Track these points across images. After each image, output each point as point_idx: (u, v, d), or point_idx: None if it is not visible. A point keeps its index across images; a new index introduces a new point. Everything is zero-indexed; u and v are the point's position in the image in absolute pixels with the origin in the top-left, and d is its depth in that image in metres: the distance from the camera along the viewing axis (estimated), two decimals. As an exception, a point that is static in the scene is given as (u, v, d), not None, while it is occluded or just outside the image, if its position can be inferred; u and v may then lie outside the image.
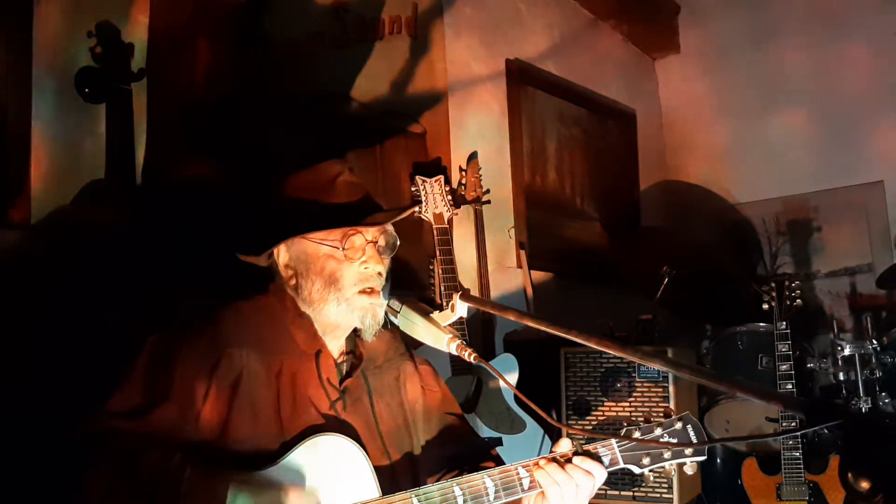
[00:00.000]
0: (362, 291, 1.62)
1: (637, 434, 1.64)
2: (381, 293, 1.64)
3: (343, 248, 1.61)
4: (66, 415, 1.52)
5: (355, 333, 1.71)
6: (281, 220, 1.65)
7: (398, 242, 1.70)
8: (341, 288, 1.62)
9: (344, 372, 1.69)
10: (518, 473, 1.57)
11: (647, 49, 5.21)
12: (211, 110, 2.56)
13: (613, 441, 1.63)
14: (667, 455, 1.64)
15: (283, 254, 1.67)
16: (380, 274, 1.64)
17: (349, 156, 2.96)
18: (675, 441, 1.64)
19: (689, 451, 1.64)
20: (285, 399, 1.56)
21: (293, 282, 1.66)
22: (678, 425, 1.66)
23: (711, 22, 5.06)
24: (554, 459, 1.58)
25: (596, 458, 1.59)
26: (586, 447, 1.62)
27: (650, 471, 1.65)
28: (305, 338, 1.65)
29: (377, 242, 1.65)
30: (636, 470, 1.64)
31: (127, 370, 1.53)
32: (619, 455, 1.63)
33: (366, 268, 1.63)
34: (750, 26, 4.86)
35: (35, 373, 1.93)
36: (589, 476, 1.56)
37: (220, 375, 1.52)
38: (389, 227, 1.69)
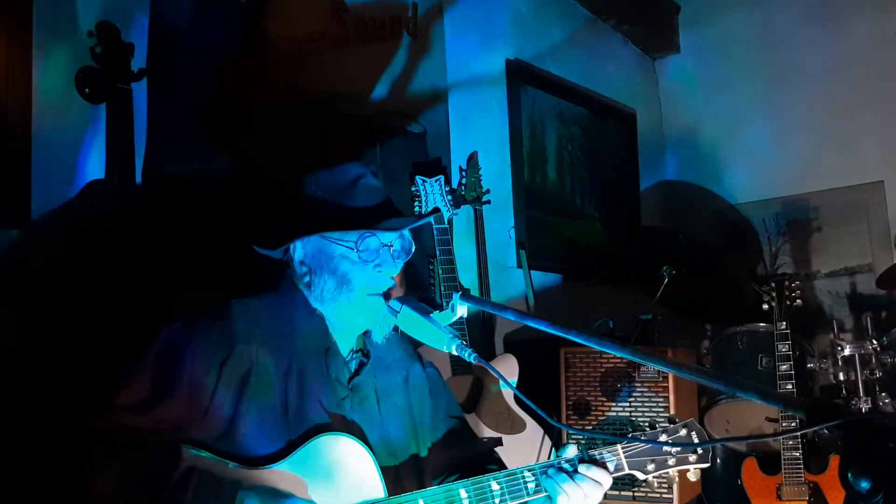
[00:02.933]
0: (373, 294, 1.62)
1: (642, 439, 1.64)
2: (394, 297, 1.64)
3: (358, 250, 1.61)
4: (68, 414, 1.52)
5: (364, 332, 1.71)
6: (300, 216, 1.65)
7: (413, 248, 1.70)
8: (353, 289, 1.62)
9: (352, 370, 1.69)
10: (524, 477, 1.57)
11: (647, 49, 5.21)
12: (211, 110, 2.56)
13: (619, 446, 1.63)
14: (671, 461, 1.64)
15: (298, 250, 1.67)
16: (392, 278, 1.65)
17: (354, 155, 2.97)
18: (678, 444, 1.65)
19: (693, 457, 1.65)
20: (293, 396, 1.57)
21: (307, 279, 1.66)
22: (682, 432, 1.67)
23: (711, 22, 5.05)
24: (561, 468, 1.58)
25: (602, 465, 1.59)
26: (591, 452, 1.62)
27: (654, 477, 1.65)
28: (315, 335, 1.65)
29: (392, 246, 1.65)
30: (640, 476, 1.64)
31: (135, 364, 1.53)
32: (624, 461, 1.63)
33: (379, 271, 1.63)
34: (750, 26, 4.85)
35: (36, 373, 1.93)
36: (597, 484, 1.56)
37: (229, 371, 1.53)
38: (406, 232, 1.69)
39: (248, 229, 1.72)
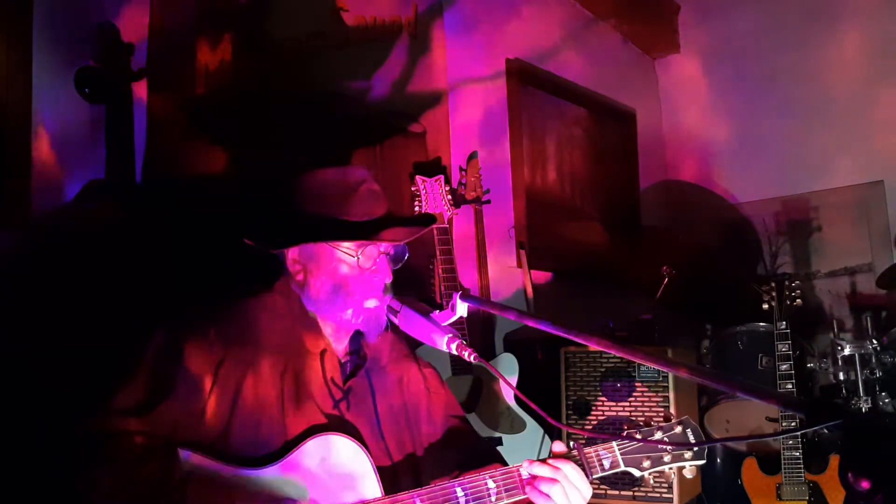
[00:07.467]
0: (369, 299, 1.64)
1: (637, 437, 1.64)
2: (393, 297, 1.66)
3: (358, 258, 1.62)
4: (66, 416, 1.52)
5: (359, 333, 1.71)
6: (301, 221, 1.64)
7: (407, 255, 1.72)
8: (350, 294, 1.63)
9: (348, 372, 1.70)
10: (519, 474, 1.57)
11: (647, 49, 5.21)
12: (211, 109, 2.57)
13: (614, 443, 1.63)
14: (667, 458, 1.64)
15: (292, 247, 1.67)
16: (387, 283, 1.66)
17: (354, 154, 2.97)
18: (675, 443, 1.64)
19: (688, 454, 1.64)
20: (289, 398, 1.57)
21: (300, 277, 1.66)
22: (678, 429, 1.66)
23: (711, 21, 5.06)
24: (546, 464, 1.58)
25: (577, 463, 1.58)
26: (587, 450, 1.62)
27: (650, 474, 1.65)
28: (310, 337, 1.65)
29: (389, 254, 1.67)
30: (636, 473, 1.64)
31: (132, 367, 1.53)
32: (619, 457, 1.63)
33: (375, 277, 1.64)
34: (750, 25, 4.86)
35: (34, 374, 1.93)
36: (573, 487, 1.55)
37: (225, 373, 1.53)
38: None
39: (247, 229, 1.71)
